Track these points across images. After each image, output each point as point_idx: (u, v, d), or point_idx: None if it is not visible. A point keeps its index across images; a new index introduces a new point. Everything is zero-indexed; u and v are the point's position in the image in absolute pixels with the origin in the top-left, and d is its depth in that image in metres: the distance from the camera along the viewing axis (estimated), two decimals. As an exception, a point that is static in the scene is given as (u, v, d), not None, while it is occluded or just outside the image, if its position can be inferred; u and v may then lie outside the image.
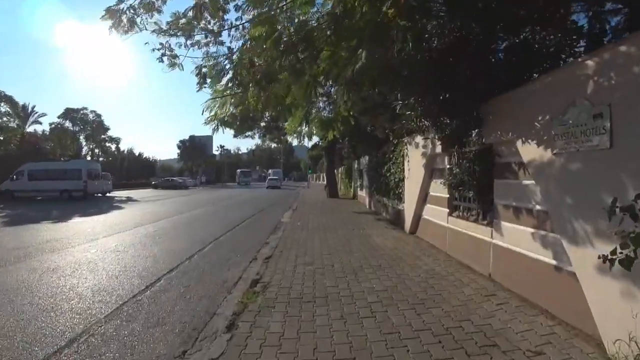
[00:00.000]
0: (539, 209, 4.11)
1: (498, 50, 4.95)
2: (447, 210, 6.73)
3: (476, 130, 5.22)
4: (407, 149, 9.03)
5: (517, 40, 4.89)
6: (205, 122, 5.97)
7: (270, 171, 66.68)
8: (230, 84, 5.43)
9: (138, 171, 63.50)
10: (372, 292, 4.65)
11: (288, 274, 5.61)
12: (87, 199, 25.57)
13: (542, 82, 4.00)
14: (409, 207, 9.07)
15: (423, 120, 5.34)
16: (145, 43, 6.03)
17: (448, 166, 6.54)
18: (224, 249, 8.06)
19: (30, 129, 45.92)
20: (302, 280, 5.21)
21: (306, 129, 9.48)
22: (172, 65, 6.11)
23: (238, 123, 6.52)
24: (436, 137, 6.46)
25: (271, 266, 6.09)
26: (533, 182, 4.12)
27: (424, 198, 8.13)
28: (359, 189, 21.00)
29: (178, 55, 6.04)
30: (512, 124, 4.49)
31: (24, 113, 44.06)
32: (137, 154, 71.65)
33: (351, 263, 6.19)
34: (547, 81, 3.92)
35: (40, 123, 50.61)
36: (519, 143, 4.30)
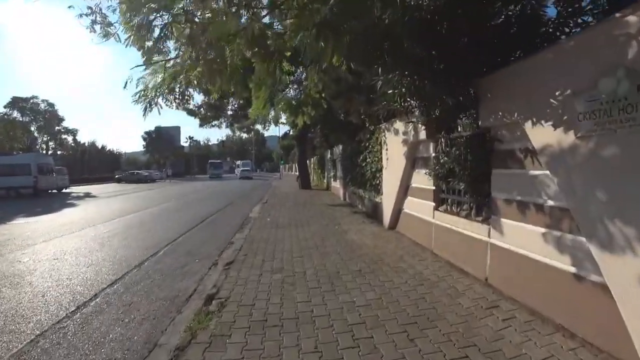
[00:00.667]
0: (553, 204, 3.39)
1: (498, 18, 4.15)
2: (433, 203, 6.00)
3: (470, 112, 4.46)
4: (385, 136, 8.23)
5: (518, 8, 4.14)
6: (133, 100, 4.87)
7: (239, 162, 65.35)
8: (159, 46, 4.35)
9: (101, 165, 60.32)
10: (352, 309, 3.83)
11: (251, 285, 4.71)
12: (39, 196, 23.46)
13: (560, 49, 3.21)
14: (388, 200, 8.32)
15: (409, 99, 4.51)
16: (69, 6, 4.86)
17: (434, 154, 5.79)
18: (182, 252, 7.03)
19: (-27, 120, 42.37)
20: (268, 295, 4.31)
21: (272, 113, 8.41)
22: (106, 35, 4.98)
23: (178, 101, 5.34)
24: (420, 121, 5.68)
25: (232, 275, 5.16)
26: (546, 172, 3.38)
27: (405, 190, 7.38)
28: (332, 179, 20.19)
29: (113, 22, 4.94)
30: (518, 102, 3.71)
31: (-35, 103, 40.55)
32: (99, 147, 68.19)
33: (326, 268, 5.35)
34: (568, 47, 3.13)
35: (-16, 114, 46.86)
36: (527, 125, 3.54)
